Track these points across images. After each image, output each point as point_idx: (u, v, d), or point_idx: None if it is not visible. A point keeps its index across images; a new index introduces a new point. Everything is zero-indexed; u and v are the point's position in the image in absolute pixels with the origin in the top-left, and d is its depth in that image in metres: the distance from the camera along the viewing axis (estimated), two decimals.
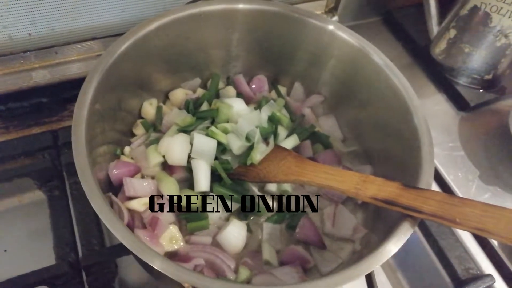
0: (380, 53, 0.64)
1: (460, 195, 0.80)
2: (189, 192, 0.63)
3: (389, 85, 0.62)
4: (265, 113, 0.71)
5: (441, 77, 0.98)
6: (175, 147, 0.63)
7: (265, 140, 0.70)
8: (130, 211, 0.61)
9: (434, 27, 0.97)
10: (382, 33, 1.08)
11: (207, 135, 0.65)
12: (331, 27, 0.67)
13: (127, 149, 0.67)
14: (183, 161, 0.64)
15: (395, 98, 0.62)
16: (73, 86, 0.78)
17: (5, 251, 0.68)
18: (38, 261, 0.65)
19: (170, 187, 0.62)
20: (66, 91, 0.79)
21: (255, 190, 0.68)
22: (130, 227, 0.59)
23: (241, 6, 0.66)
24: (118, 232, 0.46)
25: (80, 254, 0.64)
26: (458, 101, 0.95)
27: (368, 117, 0.70)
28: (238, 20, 0.68)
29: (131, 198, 0.61)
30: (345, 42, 0.66)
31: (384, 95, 0.64)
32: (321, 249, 0.65)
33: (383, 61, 0.63)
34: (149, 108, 0.70)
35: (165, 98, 0.75)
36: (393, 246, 0.49)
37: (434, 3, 0.94)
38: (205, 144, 0.63)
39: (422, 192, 0.51)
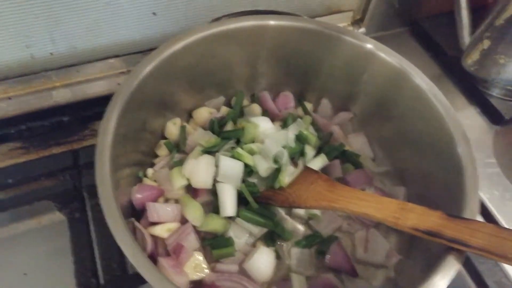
0: (422, 75, 0.60)
1: (497, 215, 0.75)
2: (214, 218, 0.60)
3: (429, 109, 0.59)
4: (292, 132, 0.69)
5: (473, 89, 0.94)
6: (200, 170, 0.61)
7: (292, 160, 0.67)
8: (153, 237, 0.58)
9: (466, 38, 0.93)
10: (409, 43, 1.04)
11: (232, 156, 0.63)
12: (369, 46, 0.63)
13: (149, 171, 0.65)
14: (208, 184, 0.61)
15: (436, 122, 0.58)
16: (94, 104, 0.77)
17: (24, 274, 0.67)
18: (58, 284, 0.64)
19: (194, 211, 0.60)
20: (87, 110, 0.77)
21: (282, 214, 0.65)
22: (154, 255, 0.57)
23: (271, 22, 0.63)
24: (138, 262, 0.44)
25: (101, 278, 0.62)
26: (492, 114, 0.90)
27: (403, 136, 0.66)
28: (267, 36, 0.65)
29: (154, 224, 0.59)
30: (384, 62, 0.63)
31: (423, 117, 0.60)
32: (353, 277, 0.61)
33: (426, 83, 0.60)
34: (172, 128, 0.67)
35: (189, 117, 0.72)
36: (440, 282, 0.45)
37: (467, 13, 0.90)
38: (231, 167, 0.61)
39: (468, 223, 0.47)
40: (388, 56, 0.63)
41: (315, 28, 0.64)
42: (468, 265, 0.68)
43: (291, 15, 0.67)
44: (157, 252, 0.58)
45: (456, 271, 0.47)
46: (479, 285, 0.67)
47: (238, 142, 0.67)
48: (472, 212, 0.50)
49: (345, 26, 0.91)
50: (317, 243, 0.63)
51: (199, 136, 0.66)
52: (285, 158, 0.62)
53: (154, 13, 0.75)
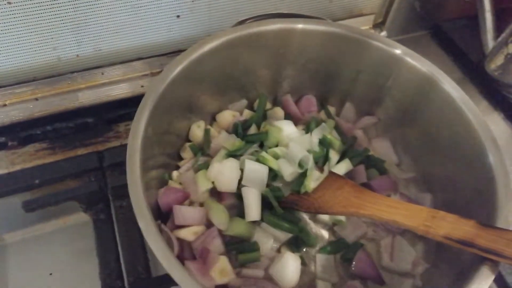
0: (452, 81, 0.59)
1: None
2: (239, 222, 0.60)
3: (458, 116, 0.58)
4: (316, 136, 0.68)
5: (497, 94, 0.92)
6: (224, 173, 0.61)
7: (316, 164, 0.66)
8: (179, 240, 0.58)
9: (490, 42, 0.91)
10: (431, 47, 1.03)
11: (257, 160, 0.62)
12: (398, 51, 0.63)
13: (175, 173, 0.65)
14: (233, 188, 0.61)
15: (465, 129, 0.57)
16: (118, 106, 0.78)
17: (50, 274, 0.67)
18: (82, 285, 0.65)
19: (220, 215, 0.60)
20: (111, 112, 0.78)
21: (306, 219, 0.65)
22: (180, 257, 0.57)
23: (299, 26, 0.63)
24: (168, 264, 0.44)
25: (126, 282, 0.62)
26: None
27: (429, 143, 0.65)
28: (293, 40, 0.65)
29: (180, 227, 0.59)
30: (412, 67, 0.62)
31: (451, 124, 0.59)
32: (380, 285, 0.60)
33: (456, 90, 0.59)
34: (197, 131, 0.67)
35: (212, 120, 0.72)
36: None
37: (491, 17, 0.88)
38: (256, 172, 0.61)
39: (503, 233, 0.46)
40: (416, 61, 0.62)
41: (341, 32, 0.64)
42: (497, 277, 0.66)
43: (317, 19, 0.67)
44: (184, 255, 0.58)
45: (490, 282, 0.46)
46: None
47: (261, 145, 0.67)
48: (507, 222, 0.49)
49: (366, 30, 0.91)
50: (342, 249, 0.63)
51: (223, 140, 0.66)
52: (310, 162, 0.62)
53: (178, 16, 0.75)
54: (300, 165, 0.62)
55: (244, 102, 0.74)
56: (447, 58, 1.01)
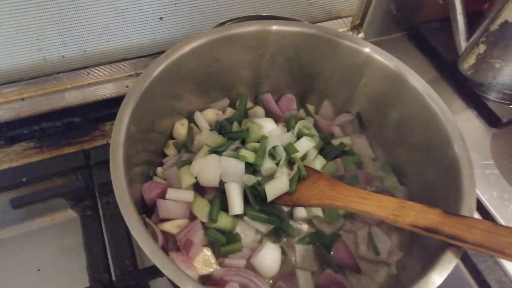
0: (419, 77, 0.63)
1: (496, 215, 0.77)
2: (222, 215, 0.62)
3: (426, 110, 0.61)
4: (295, 132, 0.71)
5: (470, 93, 0.96)
6: (207, 169, 0.63)
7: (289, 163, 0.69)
8: (163, 233, 0.60)
9: (462, 43, 0.96)
10: (408, 48, 1.07)
11: (235, 156, 0.65)
12: (367, 49, 0.66)
13: (159, 169, 0.67)
14: (215, 182, 0.63)
15: (433, 123, 0.60)
16: (104, 106, 0.80)
17: (38, 270, 0.69)
18: (71, 280, 0.66)
19: (203, 209, 0.62)
20: (97, 111, 0.80)
21: (285, 214, 0.68)
22: (164, 249, 0.59)
23: (273, 27, 0.66)
24: (153, 255, 0.46)
25: (113, 274, 0.64)
26: (489, 117, 0.93)
27: (402, 137, 0.69)
28: (270, 41, 0.68)
29: (164, 220, 0.61)
30: (381, 65, 0.66)
31: (420, 119, 0.63)
32: (357, 273, 0.63)
33: (421, 85, 0.62)
34: (180, 129, 0.70)
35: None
36: (437, 277, 0.48)
37: (463, 19, 0.93)
38: (233, 167, 0.63)
39: (465, 220, 0.50)
40: (385, 59, 0.65)
41: (314, 33, 0.67)
42: (468, 264, 0.70)
43: (292, 20, 0.70)
44: (168, 247, 0.60)
45: (453, 266, 0.49)
46: (480, 284, 0.69)
47: (244, 142, 0.69)
48: (470, 210, 0.52)
49: (344, 31, 0.94)
50: (320, 240, 0.65)
51: (206, 137, 0.68)
52: (281, 154, 0.64)
53: (161, 18, 0.77)
54: (272, 155, 0.65)
55: (226, 101, 0.76)
56: (423, 59, 1.05)
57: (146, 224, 0.59)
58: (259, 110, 0.76)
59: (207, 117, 0.73)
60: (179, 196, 0.62)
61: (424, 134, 0.63)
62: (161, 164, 0.69)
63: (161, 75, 0.61)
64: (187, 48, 0.63)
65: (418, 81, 0.63)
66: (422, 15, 1.07)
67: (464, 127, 0.93)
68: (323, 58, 0.70)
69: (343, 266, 0.63)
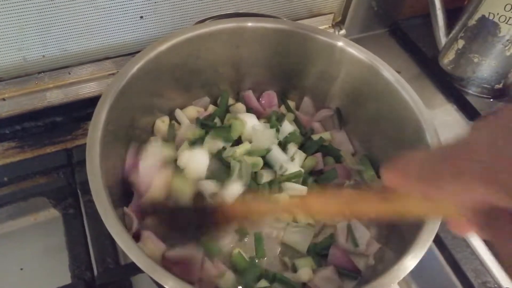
0: (390, 68, 0.64)
1: None
2: None
3: (399, 100, 0.62)
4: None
5: (450, 87, 0.98)
6: (194, 161, 0.64)
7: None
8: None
9: (442, 38, 0.97)
10: (390, 44, 1.08)
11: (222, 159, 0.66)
12: (340, 43, 0.67)
13: None
14: (201, 175, 0.64)
15: (406, 114, 0.62)
16: (87, 105, 0.80)
17: (21, 269, 0.69)
18: (53, 279, 0.66)
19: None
20: (79, 110, 0.80)
21: None
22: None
23: (249, 24, 0.67)
24: (132, 253, 0.47)
25: (96, 272, 0.64)
26: (469, 111, 0.94)
27: (379, 131, 0.70)
28: (246, 38, 0.69)
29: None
30: (354, 58, 0.67)
31: (394, 110, 0.64)
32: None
33: (393, 76, 0.64)
34: (161, 126, 0.70)
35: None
36: (410, 262, 0.49)
37: (442, 14, 0.94)
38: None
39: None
40: (357, 52, 0.66)
41: (288, 29, 0.68)
42: (445, 253, 0.71)
43: (268, 17, 0.71)
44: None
45: (426, 249, 0.50)
46: (457, 273, 0.70)
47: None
48: None
49: (326, 28, 0.95)
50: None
51: (185, 129, 0.69)
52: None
53: (141, 17, 0.78)
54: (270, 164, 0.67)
55: (207, 99, 0.77)
56: (405, 55, 1.07)
57: (124, 215, 0.60)
58: (241, 106, 0.77)
59: (188, 114, 0.74)
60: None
61: (398, 126, 0.64)
62: None
63: (139, 73, 0.61)
64: (165, 46, 0.63)
65: (390, 72, 0.64)
66: (404, 11, 1.08)
67: (445, 121, 0.95)
68: (300, 54, 0.71)
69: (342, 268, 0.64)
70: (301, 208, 0.54)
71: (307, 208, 0.51)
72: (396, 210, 0.38)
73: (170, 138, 0.70)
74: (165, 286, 0.44)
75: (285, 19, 0.72)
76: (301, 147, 0.74)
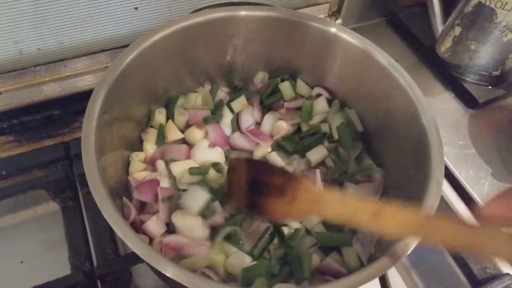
0: (384, 53, 0.64)
1: (473, 193, 0.79)
2: None
3: (394, 85, 0.62)
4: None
5: (448, 75, 0.98)
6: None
7: None
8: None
9: (439, 26, 0.97)
10: (387, 33, 1.08)
11: None
12: (333, 29, 0.67)
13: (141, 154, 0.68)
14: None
15: (402, 98, 0.61)
16: (83, 98, 0.78)
17: (21, 262, 0.69)
18: (53, 271, 0.66)
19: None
20: (76, 103, 0.80)
21: None
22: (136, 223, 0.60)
23: (242, 13, 0.67)
24: (131, 241, 0.47)
25: (95, 263, 0.65)
26: (467, 99, 0.94)
27: (376, 117, 0.70)
28: (240, 26, 0.68)
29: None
30: (348, 43, 0.67)
31: (390, 95, 0.64)
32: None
33: (387, 61, 0.64)
34: (158, 117, 0.70)
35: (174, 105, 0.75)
36: (406, 246, 0.49)
37: (438, 2, 0.94)
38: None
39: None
40: (351, 37, 0.66)
41: (281, 16, 0.68)
42: None
43: (261, 5, 0.71)
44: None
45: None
46: (457, 259, 0.71)
47: None
48: (438, 182, 0.53)
49: (322, 18, 0.95)
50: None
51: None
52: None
53: (136, 8, 0.78)
54: None
55: (202, 89, 0.77)
56: (402, 44, 1.06)
57: (123, 205, 0.60)
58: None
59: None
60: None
61: (394, 111, 0.64)
62: (140, 149, 0.69)
63: (133, 64, 0.61)
64: (157, 36, 0.63)
65: (384, 57, 0.64)
66: (400, 0, 1.08)
67: (443, 109, 0.95)
68: (294, 42, 0.71)
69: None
70: (373, 221, 0.45)
71: (380, 221, 0.45)
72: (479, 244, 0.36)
73: (160, 142, 0.69)
74: (164, 273, 0.44)
75: (277, 7, 0.71)
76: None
